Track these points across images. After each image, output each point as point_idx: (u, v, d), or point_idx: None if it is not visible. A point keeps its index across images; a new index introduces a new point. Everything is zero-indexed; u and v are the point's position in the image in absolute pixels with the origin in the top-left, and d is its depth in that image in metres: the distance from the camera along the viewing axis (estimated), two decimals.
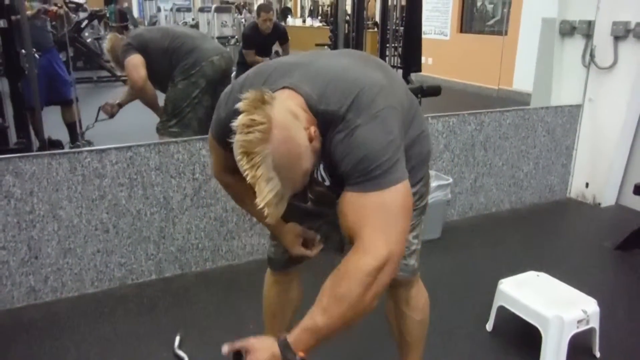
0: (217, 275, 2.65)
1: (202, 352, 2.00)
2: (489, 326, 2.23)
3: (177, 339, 2.10)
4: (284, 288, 1.72)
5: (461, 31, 9.02)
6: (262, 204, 1.04)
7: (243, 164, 1.03)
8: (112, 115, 3.33)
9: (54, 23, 4.47)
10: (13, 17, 3.15)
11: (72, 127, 4.34)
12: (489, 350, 2.13)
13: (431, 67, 9.10)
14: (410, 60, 4.82)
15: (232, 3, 10.48)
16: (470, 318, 2.30)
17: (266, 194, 1.04)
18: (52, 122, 4.12)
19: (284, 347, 1.05)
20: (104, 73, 7.84)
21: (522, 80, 6.96)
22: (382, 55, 5.20)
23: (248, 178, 1.03)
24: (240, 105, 1.04)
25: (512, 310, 2.10)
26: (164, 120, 3.08)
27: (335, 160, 1.13)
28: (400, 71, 4.58)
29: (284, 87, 1.16)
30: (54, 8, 3.90)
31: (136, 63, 2.91)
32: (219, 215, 2.67)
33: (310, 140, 1.10)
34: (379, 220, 1.08)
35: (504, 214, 3.52)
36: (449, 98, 4.76)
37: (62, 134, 4.23)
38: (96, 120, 3.59)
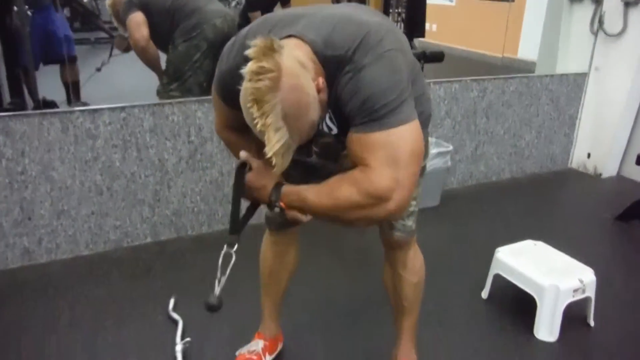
0: (213, 240, 2.63)
1: (196, 315, 1.99)
2: (484, 294, 2.22)
3: (172, 301, 2.09)
4: (281, 250, 1.72)
5: None
6: (270, 153, 1.03)
7: (253, 112, 1.01)
8: (126, 50, 3.23)
9: None
10: None
11: (75, 86, 4.28)
12: (483, 317, 2.12)
13: (435, 34, 8.91)
14: (414, 25, 4.67)
15: None
16: (466, 286, 2.29)
17: (274, 143, 1.02)
18: (50, 82, 4.04)
19: (276, 189, 1.17)
20: (102, 34, 7.68)
21: (528, 48, 6.82)
22: None
23: (258, 126, 1.01)
24: (249, 52, 1.01)
25: (508, 278, 2.09)
26: (165, 83, 3.00)
27: (342, 102, 1.11)
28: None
29: (289, 36, 1.13)
30: None
31: (138, 21, 2.81)
32: (214, 178, 2.64)
33: (318, 91, 1.08)
34: (386, 156, 1.07)
35: (505, 183, 3.49)
36: (452, 65, 4.66)
37: (59, 95, 4.16)
38: (110, 56, 3.49)
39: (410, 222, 1.54)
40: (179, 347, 1.84)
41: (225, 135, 1.46)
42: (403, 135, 1.08)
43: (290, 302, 1.87)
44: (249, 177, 1.19)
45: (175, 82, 2.94)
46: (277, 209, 1.17)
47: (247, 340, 1.80)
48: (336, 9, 1.26)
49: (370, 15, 1.19)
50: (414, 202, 1.54)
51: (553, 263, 2.08)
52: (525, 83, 3.34)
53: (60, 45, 4.29)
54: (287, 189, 1.16)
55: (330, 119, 1.21)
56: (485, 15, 7.97)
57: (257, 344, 1.76)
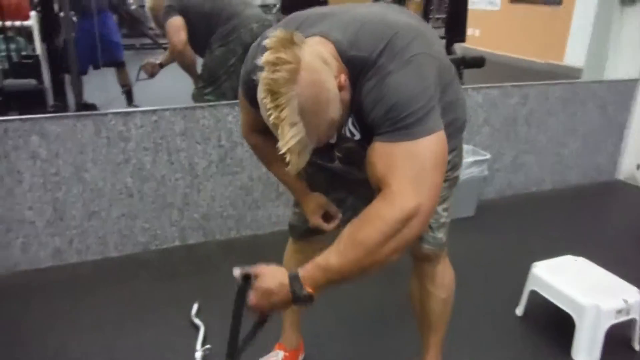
0: (241, 245, 2.61)
1: (219, 322, 1.96)
2: (519, 311, 2.11)
3: (195, 307, 2.07)
4: (304, 259, 1.62)
5: (512, 1, 8.56)
6: (284, 148, 0.98)
7: (267, 103, 0.97)
8: (152, 75, 3.29)
9: None
10: None
11: (129, 93, 4.39)
12: (517, 336, 2.01)
13: (478, 40, 8.73)
14: (454, 29, 4.55)
15: None
16: (500, 302, 2.18)
17: (289, 138, 0.97)
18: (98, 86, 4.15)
19: (294, 278, 1.02)
20: (147, 40, 7.89)
21: (575, 54, 6.58)
22: None
23: (271, 119, 0.97)
24: (267, 42, 0.97)
25: (545, 295, 1.97)
26: (200, 87, 3.02)
27: (365, 109, 1.07)
28: (443, 41, 4.36)
29: (314, 35, 1.09)
30: None
31: (177, 25, 2.84)
32: (244, 183, 2.62)
33: (340, 88, 1.03)
34: (409, 171, 1.01)
35: (545, 194, 3.33)
36: (494, 72, 4.52)
37: (99, 99, 4.25)
38: (137, 79, 3.56)
39: (441, 234, 1.47)
40: (198, 354, 1.81)
41: (252, 140, 1.42)
42: (428, 146, 1.02)
43: (314, 310, 1.81)
44: (259, 284, 1.05)
45: (211, 87, 2.94)
46: (305, 301, 1.02)
47: (268, 351, 1.75)
48: (366, 9, 1.21)
49: (401, 16, 1.14)
50: (445, 214, 1.46)
51: (595, 281, 1.95)
52: (571, 89, 3.19)
53: (113, 49, 4.40)
54: (305, 270, 1.02)
55: (353, 124, 1.16)
56: (531, 20, 7.73)
57: (277, 355, 1.71)
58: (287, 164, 1.00)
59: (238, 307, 1.10)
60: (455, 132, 1.36)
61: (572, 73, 5.86)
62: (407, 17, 1.15)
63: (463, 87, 3.19)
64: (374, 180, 1.07)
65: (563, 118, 3.23)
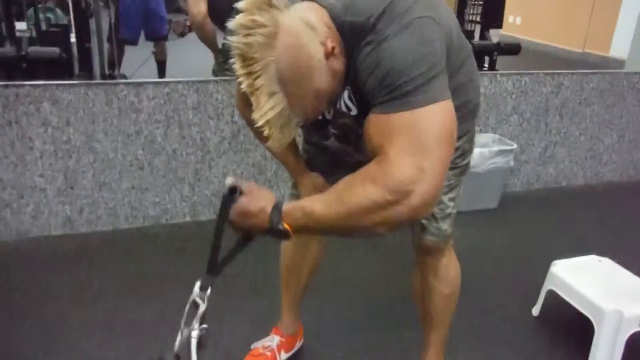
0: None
1: (219, 302, 1.91)
2: (535, 310, 1.99)
3: (198, 284, 2.03)
4: (302, 242, 1.59)
5: None
6: (261, 121, 0.90)
7: (238, 69, 0.88)
8: (181, 35, 3.24)
9: None
10: None
11: (162, 66, 4.39)
12: (531, 337, 1.90)
13: (520, 27, 8.40)
14: (490, 14, 4.34)
15: None
16: (516, 300, 2.06)
17: (267, 110, 0.89)
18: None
19: (275, 209, 0.95)
20: (183, 16, 7.88)
21: (621, 46, 6.25)
22: (461, 11, 4.67)
23: (244, 86, 0.89)
24: (239, 5, 0.88)
25: (564, 296, 1.84)
26: (220, 61, 2.94)
27: (361, 79, 0.96)
28: (478, 27, 4.17)
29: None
30: None
31: None
32: (257, 162, 2.55)
33: (327, 55, 0.93)
34: (409, 142, 0.89)
35: (576, 190, 3.16)
36: (532, 60, 4.32)
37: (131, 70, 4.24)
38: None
39: (446, 226, 1.36)
40: (194, 333, 1.76)
41: (247, 114, 1.34)
42: (430, 116, 0.90)
43: (317, 297, 1.75)
44: (242, 201, 0.98)
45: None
46: (280, 235, 0.96)
47: (265, 335, 1.69)
48: None
49: None
50: (451, 204, 1.36)
51: (619, 284, 1.82)
52: (609, 80, 2.99)
53: (159, 23, 4.38)
54: (289, 205, 0.96)
55: (350, 97, 1.05)
56: (576, 8, 7.37)
57: (273, 340, 1.65)
58: (267, 138, 0.92)
59: (220, 219, 1.03)
60: (466, 116, 1.25)
61: (616, 65, 5.58)
62: None
63: (491, 72, 3.05)
64: (371, 154, 0.96)
65: (599, 110, 3.04)
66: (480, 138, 2.79)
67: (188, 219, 2.55)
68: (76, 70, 3.43)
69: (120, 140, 2.32)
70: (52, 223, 2.36)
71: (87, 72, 3.46)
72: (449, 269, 1.45)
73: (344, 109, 1.08)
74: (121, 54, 4.32)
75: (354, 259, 2.28)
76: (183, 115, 2.36)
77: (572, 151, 3.10)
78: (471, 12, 4.94)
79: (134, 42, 4.23)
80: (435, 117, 0.91)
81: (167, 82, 2.30)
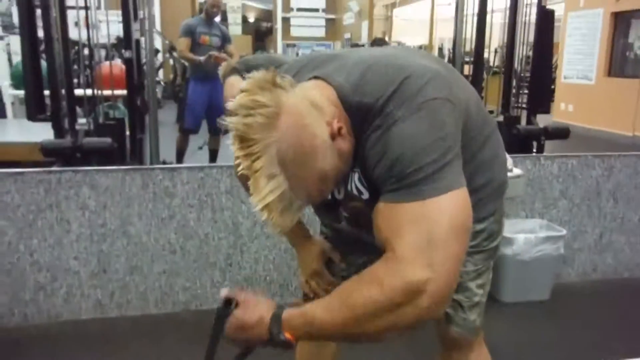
0: None
1: None
2: None
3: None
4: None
5: (609, 75, 8.09)
6: (260, 205, 0.85)
7: (236, 151, 0.85)
8: (227, 132, 3.36)
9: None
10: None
11: (215, 154, 4.65)
12: None
13: (572, 114, 8.29)
14: (537, 100, 4.29)
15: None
16: None
17: (266, 193, 0.85)
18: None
19: (275, 319, 0.89)
20: None
21: None
22: (506, 97, 4.64)
23: (241, 168, 0.85)
24: (242, 85, 0.86)
25: None
26: None
27: (370, 164, 0.91)
28: (524, 112, 4.12)
29: (315, 77, 0.96)
30: (223, 56, 4.24)
31: (234, 84, 2.91)
32: (290, 247, 2.45)
33: (333, 136, 0.88)
34: (417, 236, 0.82)
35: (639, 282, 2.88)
36: (584, 145, 4.17)
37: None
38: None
39: (474, 316, 1.23)
40: None
41: (244, 180, 1.32)
42: (442, 207, 0.84)
43: None
44: (238, 313, 0.93)
45: None
46: (282, 346, 0.89)
47: None
48: (377, 51, 1.09)
49: (416, 58, 0.99)
50: (480, 291, 1.23)
51: None
52: None
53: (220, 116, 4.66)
54: (290, 313, 0.89)
55: (360, 180, 1.00)
56: (627, 93, 7.21)
57: None
58: (265, 222, 0.87)
59: (214, 334, 0.99)
60: (492, 195, 1.17)
61: None
62: (424, 59, 0.99)
63: (535, 155, 2.94)
64: (380, 245, 0.89)
65: None
66: (526, 224, 2.64)
67: (217, 305, 2.48)
68: (128, 160, 3.62)
69: (154, 224, 2.34)
70: (83, 307, 2.36)
71: (137, 161, 3.64)
72: None
73: (355, 192, 1.03)
74: (185, 144, 4.59)
75: (388, 353, 2.10)
76: (216, 199, 2.38)
77: (632, 238, 2.86)
78: (517, 100, 4.90)
79: (196, 131, 4.54)
80: (447, 207, 0.84)
81: (202, 167, 2.34)
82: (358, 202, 1.04)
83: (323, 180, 0.91)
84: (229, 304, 0.95)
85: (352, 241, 1.29)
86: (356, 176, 1.00)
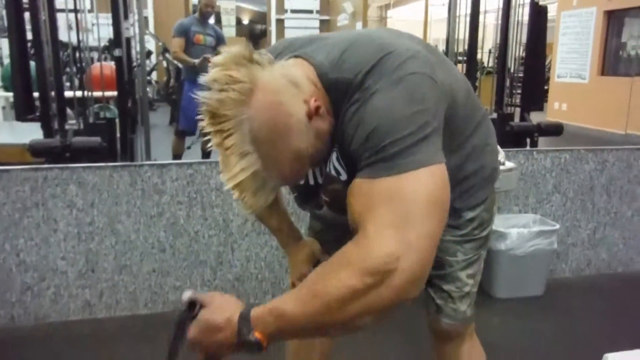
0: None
1: None
2: None
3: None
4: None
5: (603, 73, 8.10)
6: (230, 183, 0.83)
7: (206, 126, 0.83)
8: None
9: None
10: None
11: (208, 156, 4.58)
12: None
13: (566, 113, 8.30)
14: (530, 97, 4.29)
15: None
16: None
17: (238, 172, 0.82)
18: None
19: (243, 319, 0.81)
20: None
21: None
22: (500, 97, 4.61)
23: (212, 143, 0.83)
24: (216, 59, 0.84)
25: None
26: None
27: (347, 139, 0.88)
28: (517, 110, 4.11)
29: (295, 57, 0.94)
30: None
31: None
32: None
33: (309, 115, 0.86)
34: (390, 213, 0.78)
35: (634, 277, 2.86)
36: (576, 141, 4.17)
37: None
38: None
39: (465, 307, 1.21)
40: None
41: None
42: (418, 182, 0.80)
43: None
44: (204, 314, 0.84)
45: None
46: (252, 348, 0.81)
47: None
48: (360, 31, 1.07)
49: (400, 39, 0.96)
50: (470, 281, 1.21)
51: None
52: None
53: None
54: (258, 311, 0.82)
55: (338, 159, 0.97)
56: (625, 92, 7.22)
57: None
58: (238, 201, 0.84)
59: (174, 341, 0.89)
60: (483, 182, 1.15)
61: None
62: (408, 40, 0.97)
63: (527, 149, 2.92)
64: (353, 226, 0.85)
65: None
66: (519, 219, 2.62)
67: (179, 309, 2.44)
68: (119, 159, 3.58)
69: (143, 222, 2.31)
70: (71, 307, 2.32)
71: (129, 160, 3.61)
72: (472, 358, 1.27)
73: (333, 172, 1.00)
74: (182, 147, 4.56)
75: (385, 346, 2.08)
76: (206, 196, 2.34)
77: (626, 233, 2.84)
78: (510, 99, 4.86)
79: (192, 133, 4.50)
80: (423, 182, 0.80)
81: (191, 164, 2.31)
82: (337, 184, 1.01)
83: (297, 160, 0.88)
84: (192, 306, 0.87)
85: (341, 233, 1.26)
86: (334, 156, 0.97)
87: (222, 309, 0.84)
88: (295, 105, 0.85)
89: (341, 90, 0.88)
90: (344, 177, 0.98)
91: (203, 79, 0.84)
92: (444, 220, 0.83)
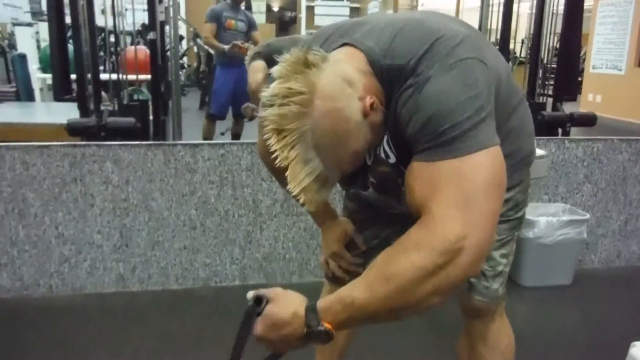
0: (303, 291, 2.45)
1: None
2: None
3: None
4: None
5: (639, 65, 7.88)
6: (296, 190, 0.86)
7: (272, 144, 0.85)
8: (251, 118, 3.41)
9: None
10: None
11: (237, 138, 4.68)
12: None
13: (600, 105, 8.10)
14: (563, 87, 4.19)
15: None
16: None
17: (303, 178, 0.86)
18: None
19: (310, 311, 0.85)
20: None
21: None
22: (532, 87, 4.52)
23: (278, 160, 0.85)
24: (275, 71, 0.86)
25: None
26: None
27: (401, 125, 0.90)
28: (550, 100, 4.03)
29: (342, 45, 0.96)
30: (247, 45, 4.24)
31: (256, 67, 2.93)
32: (309, 226, 2.50)
33: (366, 114, 0.88)
34: (454, 194, 0.81)
35: None
36: (610, 133, 4.07)
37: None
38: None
39: (497, 285, 1.23)
40: None
41: (269, 160, 1.32)
42: (479, 164, 0.82)
43: None
44: (269, 310, 0.88)
45: None
46: (321, 339, 0.85)
47: None
48: (406, 14, 1.09)
49: (445, 21, 0.98)
50: (503, 261, 1.23)
51: None
52: None
53: (243, 103, 4.70)
54: (325, 301, 0.85)
55: (388, 142, 0.99)
56: None
57: None
58: (303, 204, 0.87)
59: (241, 336, 0.92)
60: (518, 164, 1.16)
61: None
62: (455, 23, 0.98)
63: (559, 138, 2.88)
64: (413, 208, 0.88)
65: None
66: (549, 207, 2.59)
67: (237, 282, 2.51)
68: (152, 140, 3.67)
69: (175, 200, 2.37)
70: (105, 280, 2.41)
71: (161, 140, 3.69)
72: (500, 337, 1.28)
73: (382, 155, 1.02)
74: (212, 130, 4.63)
75: (406, 333, 2.10)
76: (237, 176, 2.39)
77: None
78: (543, 89, 4.76)
79: (222, 117, 4.55)
80: (483, 164, 0.83)
81: (222, 144, 2.36)
82: (385, 166, 1.04)
83: (356, 156, 0.92)
84: (258, 303, 0.90)
85: (376, 214, 1.29)
86: (384, 139, 0.99)
87: (287, 304, 0.88)
88: (353, 108, 0.87)
89: (394, 77, 0.90)
90: (392, 159, 1.01)
91: (264, 94, 0.86)
92: (502, 198, 0.86)
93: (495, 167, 0.84)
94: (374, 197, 1.19)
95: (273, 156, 0.85)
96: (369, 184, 1.14)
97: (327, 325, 0.83)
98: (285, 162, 0.85)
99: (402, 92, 0.89)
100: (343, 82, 0.87)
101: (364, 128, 0.88)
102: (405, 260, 0.80)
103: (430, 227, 0.81)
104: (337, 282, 1.41)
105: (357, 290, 0.83)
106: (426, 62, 0.87)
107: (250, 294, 0.92)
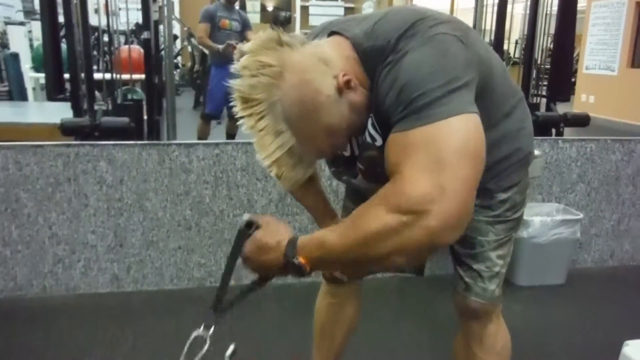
0: (295, 291, 2.45)
1: None
2: None
3: (231, 348, 1.94)
4: (337, 302, 1.49)
5: (633, 65, 7.92)
6: (267, 160, 0.88)
7: (239, 111, 0.86)
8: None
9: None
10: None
11: (232, 138, 4.68)
12: None
13: (593, 106, 8.15)
14: (557, 87, 4.21)
15: None
16: None
17: (274, 150, 0.87)
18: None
19: (290, 243, 0.90)
20: None
21: None
22: (526, 87, 4.55)
23: (245, 127, 0.87)
24: (245, 47, 0.87)
25: None
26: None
27: (380, 100, 0.90)
28: (544, 101, 4.05)
29: (332, 33, 0.98)
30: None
31: None
32: (304, 226, 2.50)
33: (339, 89, 0.89)
34: (425, 159, 0.81)
35: None
36: (603, 133, 4.09)
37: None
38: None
39: (493, 286, 1.22)
40: None
41: (298, 195, 1.34)
42: (450, 129, 0.82)
43: None
44: (259, 234, 0.93)
45: None
46: (296, 271, 0.89)
47: None
48: (395, 7, 1.10)
49: (434, 11, 0.98)
50: (500, 262, 1.22)
51: None
52: None
53: None
54: (305, 238, 0.90)
55: (373, 125, 0.99)
56: None
57: None
58: (278, 177, 0.88)
59: (233, 256, 0.99)
60: (517, 165, 1.16)
61: None
62: (441, 14, 0.99)
63: (553, 138, 2.89)
64: (388, 176, 0.88)
65: None
66: (543, 207, 2.61)
67: (232, 282, 2.50)
68: (146, 140, 3.66)
69: (170, 200, 2.37)
70: (100, 280, 2.40)
71: (155, 140, 3.68)
72: (496, 339, 1.28)
73: (368, 139, 1.02)
74: (207, 130, 4.63)
75: (402, 331, 2.11)
76: (231, 176, 2.39)
77: None
78: (537, 90, 4.77)
79: (217, 117, 4.55)
80: (456, 129, 0.82)
81: (217, 144, 2.36)
82: (372, 150, 1.04)
83: (331, 134, 0.92)
84: (250, 226, 0.95)
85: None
86: (369, 121, 0.99)
87: (275, 232, 0.92)
88: (324, 82, 0.88)
89: (375, 57, 0.91)
90: (378, 142, 1.01)
91: (234, 67, 0.88)
92: (479, 167, 0.85)
93: (469, 134, 0.84)
94: (364, 185, 1.19)
95: (239, 122, 0.87)
96: (357, 170, 1.15)
97: (301, 260, 0.87)
98: (252, 130, 0.87)
99: (382, 69, 0.90)
100: (319, 60, 0.89)
101: (339, 104, 0.89)
102: (372, 213, 0.82)
103: (397, 185, 0.81)
104: (335, 282, 1.42)
105: (330, 234, 0.86)
106: (405, 38, 0.89)
107: (245, 217, 0.96)
